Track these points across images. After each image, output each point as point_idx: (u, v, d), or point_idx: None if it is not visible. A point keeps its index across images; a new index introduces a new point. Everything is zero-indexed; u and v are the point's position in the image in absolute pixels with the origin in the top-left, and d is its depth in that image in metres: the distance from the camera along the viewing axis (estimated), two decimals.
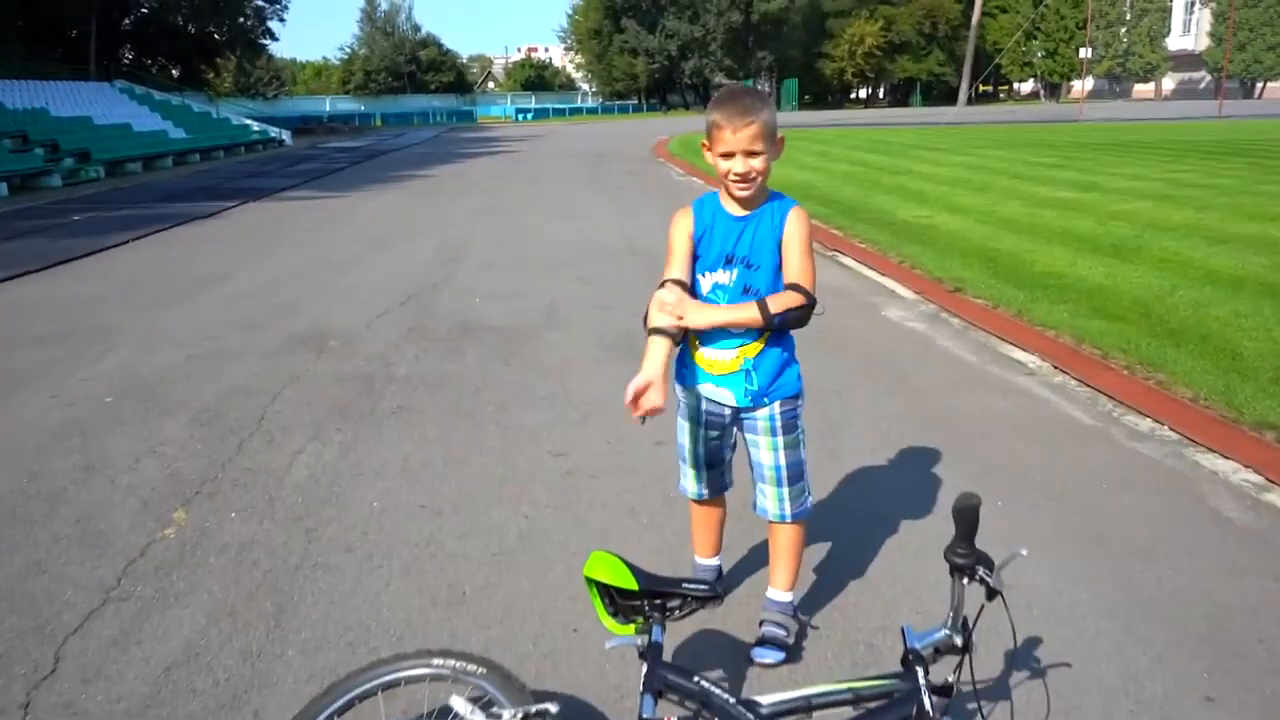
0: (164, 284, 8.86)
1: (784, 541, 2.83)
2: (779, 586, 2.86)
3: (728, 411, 2.69)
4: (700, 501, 2.96)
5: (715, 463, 2.85)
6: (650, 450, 4.35)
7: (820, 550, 3.46)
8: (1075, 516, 3.72)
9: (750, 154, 2.46)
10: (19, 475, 4.22)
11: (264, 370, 5.84)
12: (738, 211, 2.59)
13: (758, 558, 3.29)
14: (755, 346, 2.60)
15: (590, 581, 2.13)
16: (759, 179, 2.50)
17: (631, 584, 2.11)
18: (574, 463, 4.31)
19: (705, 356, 2.65)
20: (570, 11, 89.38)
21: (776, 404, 2.65)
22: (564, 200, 15.95)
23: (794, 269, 2.53)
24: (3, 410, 5.17)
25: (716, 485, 2.89)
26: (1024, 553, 1.90)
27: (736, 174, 2.49)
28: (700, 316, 2.50)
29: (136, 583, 3.27)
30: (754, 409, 2.67)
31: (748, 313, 2.49)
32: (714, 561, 3.11)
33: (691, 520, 3.08)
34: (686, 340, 2.66)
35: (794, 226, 2.53)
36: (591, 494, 3.98)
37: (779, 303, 2.48)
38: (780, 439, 2.69)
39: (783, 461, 2.71)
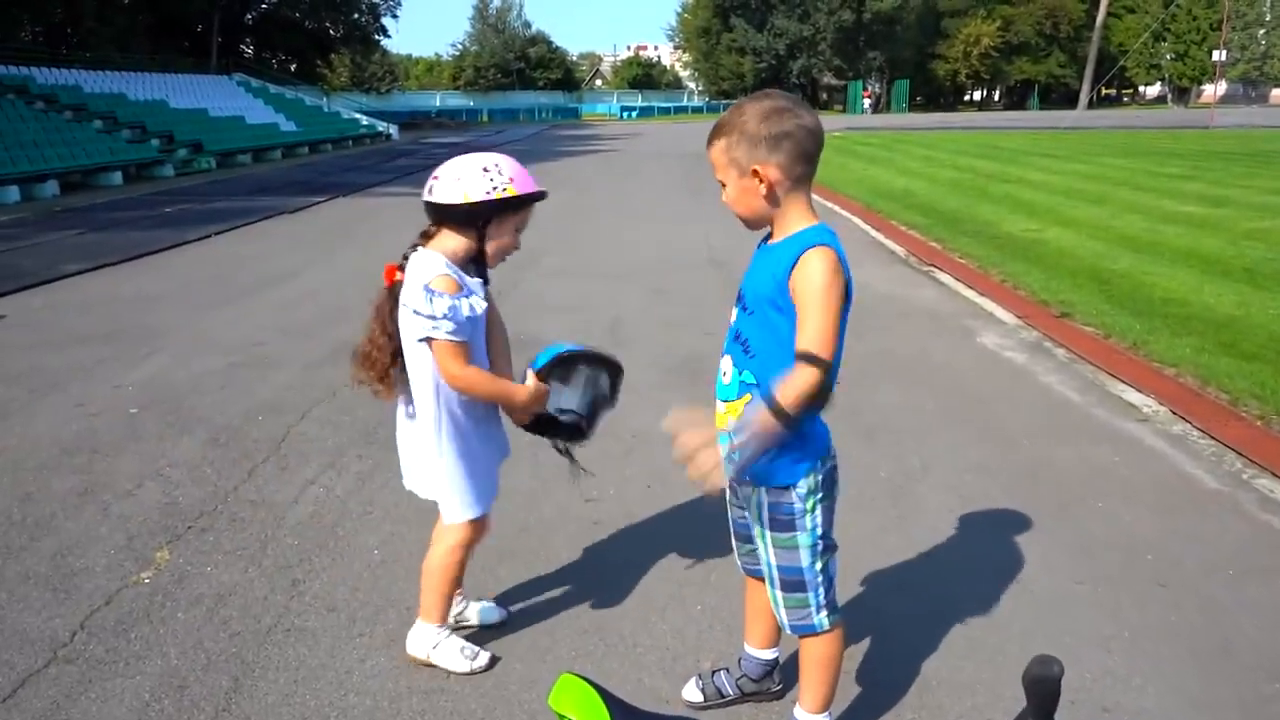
0: (228, 283, 8.72)
1: (804, 656, 2.29)
2: (805, 707, 2.31)
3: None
4: (745, 574, 2.44)
5: (742, 537, 2.34)
6: (694, 499, 3.83)
7: (873, 638, 2.90)
8: (1193, 613, 3.06)
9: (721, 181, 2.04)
10: (13, 498, 3.95)
11: (301, 383, 5.52)
12: (768, 242, 2.10)
13: None
14: (736, 406, 2.08)
15: (557, 714, 1.69)
16: (736, 214, 2.08)
17: None
18: (606, 510, 3.83)
19: (717, 405, 2.18)
20: (680, 10, 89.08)
21: (764, 490, 2.12)
22: (651, 203, 15.49)
23: (801, 331, 1.94)
24: (25, 419, 4.96)
25: (752, 567, 2.37)
26: None
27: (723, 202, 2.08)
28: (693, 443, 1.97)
29: (91, 639, 2.91)
30: (742, 484, 2.16)
31: (754, 415, 1.93)
32: (766, 654, 2.55)
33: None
34: None
35: (801, 274, 1.94)
36: (618, 551, 3.49)
37: (785, 387, 1.91)
38: (769, 534, 2.16)
39: (773, 560, 2.18)
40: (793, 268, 1.94)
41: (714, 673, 2.62)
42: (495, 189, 2.42)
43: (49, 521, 3.72)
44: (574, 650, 2.85)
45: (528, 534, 3.62)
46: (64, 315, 7.46)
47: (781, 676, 2.60)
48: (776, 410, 1.90)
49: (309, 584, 3.25)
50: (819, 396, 1.93)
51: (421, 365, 2.49)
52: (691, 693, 2.59)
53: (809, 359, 1.90)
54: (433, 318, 2.36)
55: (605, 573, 3.34)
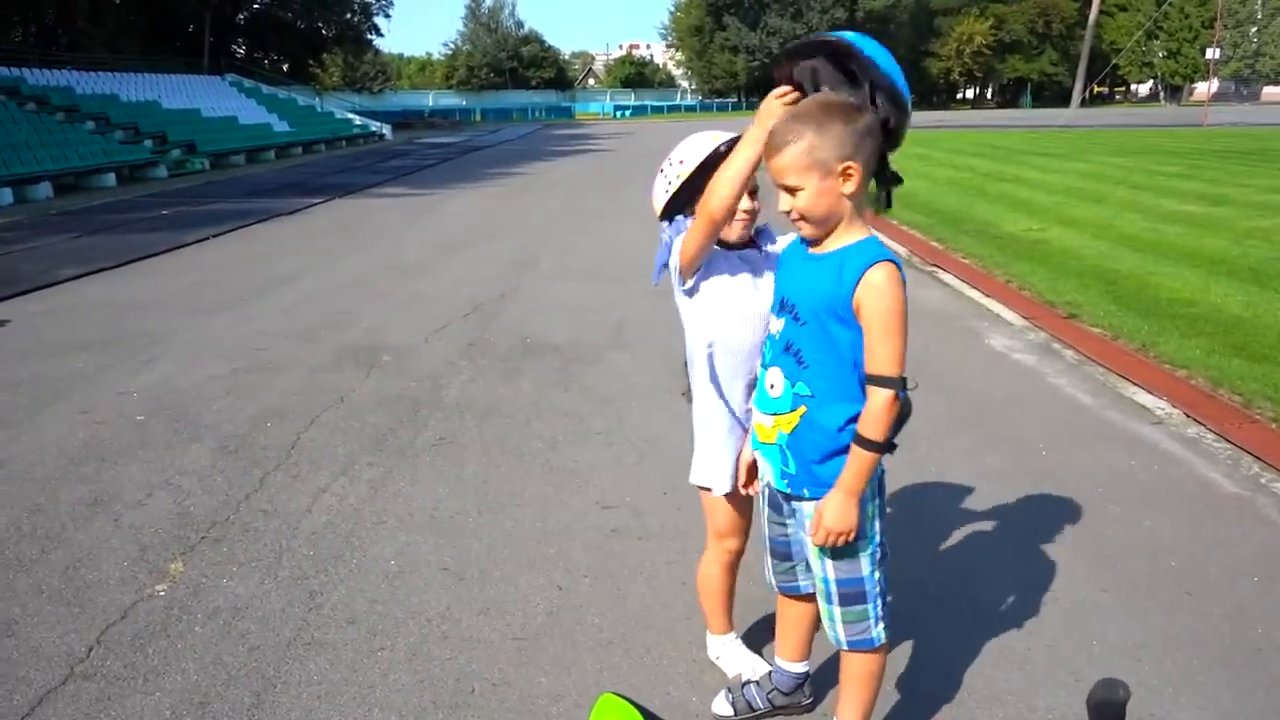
0: (227, 286, 8.66)
1: (848, 671, 2.25)
2: None
3: (777, 493, 2.18)
4: (779, 592, 2.41)
5: (781, 554, 2.30)
6: None
7: (901, 647, 2.86)
8: (1220, 621, 3.03)
9: (786, 189, 1.94)
10: (21, 509, 3.89)
11: (307, 389, 5.47)
12: (814, 249, 2.04)
13: None
14: (790, 419, 2.05)
15: None
16: (801, 222, 1.99)
17: None
18: (622, 518, 3.79)
19: (755, 418, 2.19)
20: (672, 8, 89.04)
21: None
22: (648, 205, 15.40)
23: (872, 355, 1.93)
24: (30, 428, 4.89)
25: (789, 584, 2.34)
26: None
27: (782, 211, 1.99)
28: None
29: (108, 655, 2.86)
30: (794, 498, 2.13)
31: (855, 460, 1.97)
32: (798, 667, 2.51)
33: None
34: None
35: (871, 298, 1.91)
36: (638, 560, 3.45)
37: (868, 420, 1.95)
38: (828, 548, 2.12)
39: (830, 575, 2.14)
40: (858, 282, 1.91)
41: (743, 685, 2.58)
42: (670, 184, 2.42)
43: (59, 533, 3.67)
44: (599, 663, 2.81)
45: (547, 542, 3.58)
46: (64, 321, 7.39)
47: (812, 690, 2.57)
48: (870, 444, 1.94)
49: (326, 596, 3.21)
50: (902, 414, 1.95)
51: (689, 327, 2.52)
52: (721, 706, 2.56)
53: (883, 382, 1.92)
54: (663, 259, 2.45)
55: (625, 582, 3.30)
